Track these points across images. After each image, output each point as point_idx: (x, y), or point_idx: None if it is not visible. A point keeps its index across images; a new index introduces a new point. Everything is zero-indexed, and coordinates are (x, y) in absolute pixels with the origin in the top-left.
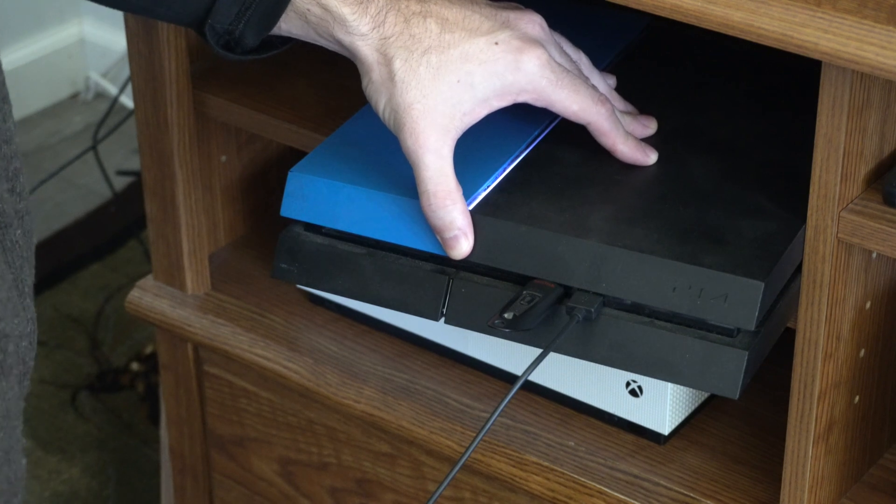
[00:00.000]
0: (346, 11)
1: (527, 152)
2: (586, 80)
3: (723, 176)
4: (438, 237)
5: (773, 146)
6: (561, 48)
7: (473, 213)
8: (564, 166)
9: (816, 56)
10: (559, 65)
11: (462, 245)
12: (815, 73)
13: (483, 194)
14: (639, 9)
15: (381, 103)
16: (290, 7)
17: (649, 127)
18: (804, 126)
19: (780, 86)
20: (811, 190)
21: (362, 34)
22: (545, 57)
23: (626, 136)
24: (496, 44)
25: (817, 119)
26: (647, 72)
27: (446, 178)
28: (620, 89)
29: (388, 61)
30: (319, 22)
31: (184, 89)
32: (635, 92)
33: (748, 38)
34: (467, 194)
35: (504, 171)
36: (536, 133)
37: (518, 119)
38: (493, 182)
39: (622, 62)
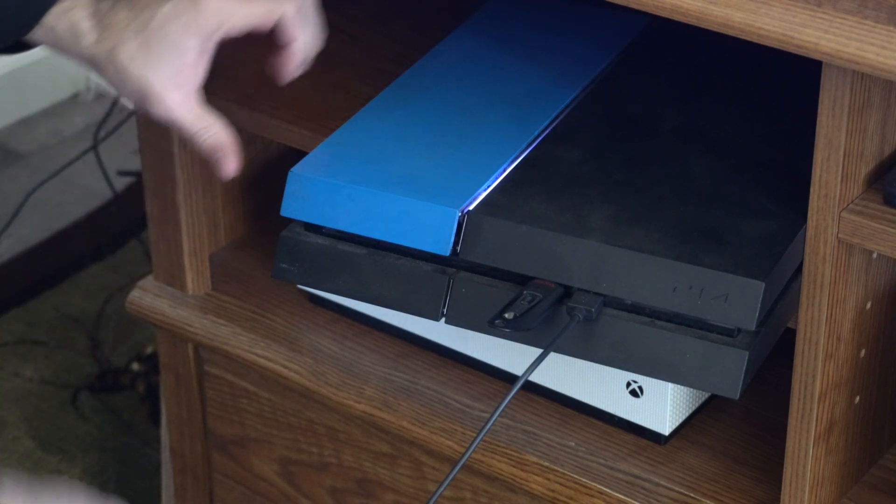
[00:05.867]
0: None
1: (527, 152)
2: None
3: (723, 176)
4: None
5: (773, 146)
6: None
7: (474, 212)
8: (564, 166)
9: (817, 56)
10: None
11: (233, 161)
12: (816, 73)
13: (483, 194)
14: (639, 9)
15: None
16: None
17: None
18: (804, 126)
19: (780, 86)
20: (812, 190)
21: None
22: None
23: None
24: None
25: (818, 119)
26: (647, 72)
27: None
28: (621, 89)
29: (92, 18)
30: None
31: None
32: (635, 92)
33: (749, 39)
34: (467, 194)
35: (504, 170)
36: (536, 133)
37: (518, 119)
38: (493, 182)
39: (622, 62)
